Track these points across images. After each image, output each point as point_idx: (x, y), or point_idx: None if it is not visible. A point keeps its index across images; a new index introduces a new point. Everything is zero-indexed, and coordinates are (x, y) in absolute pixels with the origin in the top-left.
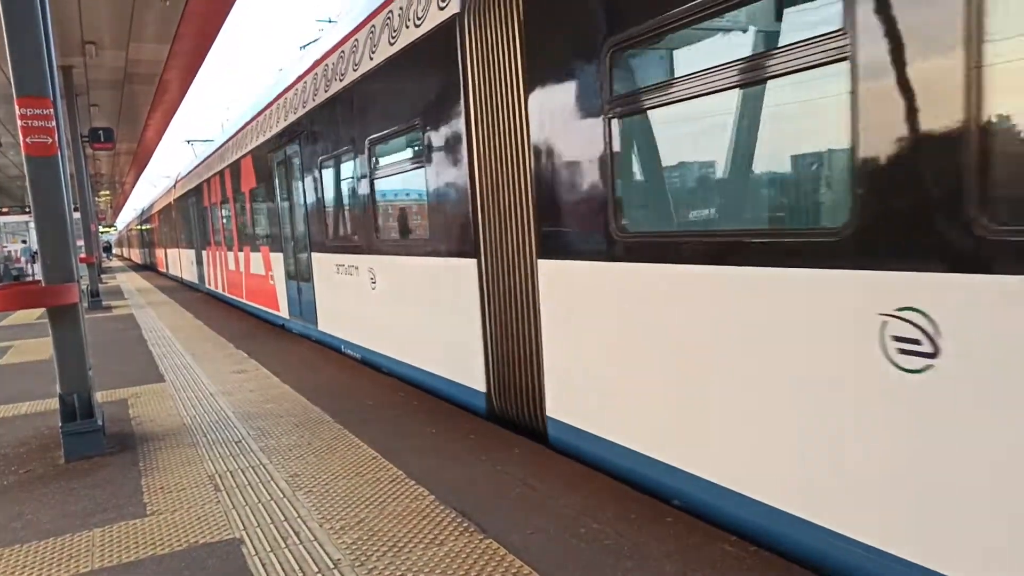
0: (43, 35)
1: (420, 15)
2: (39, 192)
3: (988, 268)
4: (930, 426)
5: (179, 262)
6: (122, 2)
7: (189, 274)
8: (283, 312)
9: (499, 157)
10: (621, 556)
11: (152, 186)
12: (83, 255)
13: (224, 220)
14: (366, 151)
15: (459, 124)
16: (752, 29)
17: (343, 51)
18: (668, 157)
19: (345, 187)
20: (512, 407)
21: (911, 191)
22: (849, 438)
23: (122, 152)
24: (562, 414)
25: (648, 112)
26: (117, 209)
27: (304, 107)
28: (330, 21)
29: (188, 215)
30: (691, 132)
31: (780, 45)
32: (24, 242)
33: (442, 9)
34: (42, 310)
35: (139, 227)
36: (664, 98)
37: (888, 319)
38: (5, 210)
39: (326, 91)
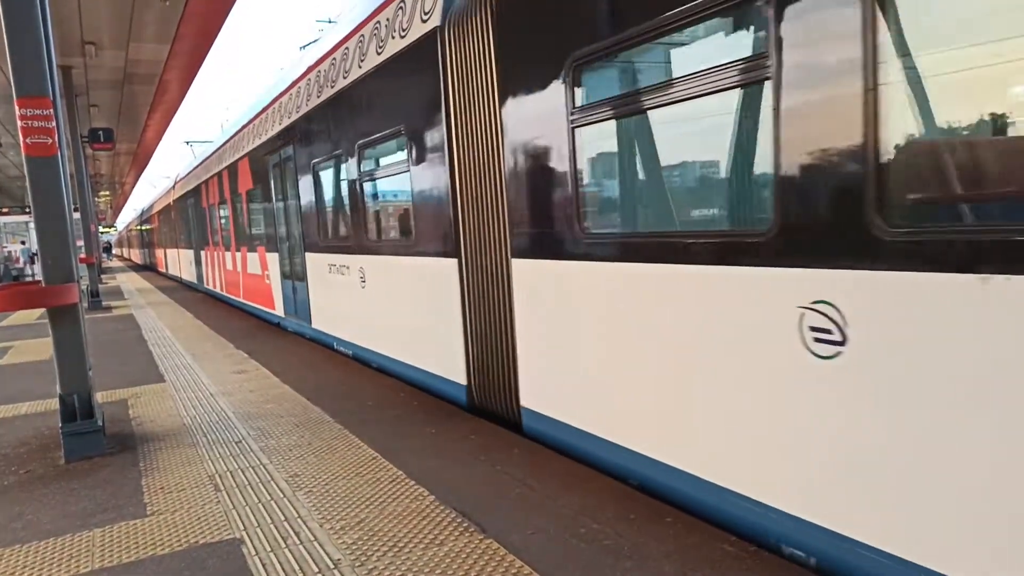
0: (43, 35)
1: (405, 27)
2: (39, 192)
3: (885, 265)
4: (840, 405)
5: (179, 262)
6: (122, 2)
7: (188, 274)
8: (279, 311)
9: (476, 162)
10: (621, 556)
11: (152, 186)
12: (83, 255)
13: (222, 221)
14: (356, 155)
15: (440, 131)
16: (691, 50)
17: (335, 58)
18: (624, 165)
19: (337, 189)
20: (490, 399)
21: (821, 198)
22: (777, 418)
23: (122, 152)
24: (534, 404)
25: (606, 123)
26: (117, 209)
27: (298, 111)
28: (330, 21)
29: (187, 216)
30: (642, 142)
31: (714, 65)
32: (23, 243)
33: (424, 22)
34: (42, 310)
35: (139, 227)
36: (620, 110)
37: (805, 311)
38: (5, 210)
39: (319, 96)
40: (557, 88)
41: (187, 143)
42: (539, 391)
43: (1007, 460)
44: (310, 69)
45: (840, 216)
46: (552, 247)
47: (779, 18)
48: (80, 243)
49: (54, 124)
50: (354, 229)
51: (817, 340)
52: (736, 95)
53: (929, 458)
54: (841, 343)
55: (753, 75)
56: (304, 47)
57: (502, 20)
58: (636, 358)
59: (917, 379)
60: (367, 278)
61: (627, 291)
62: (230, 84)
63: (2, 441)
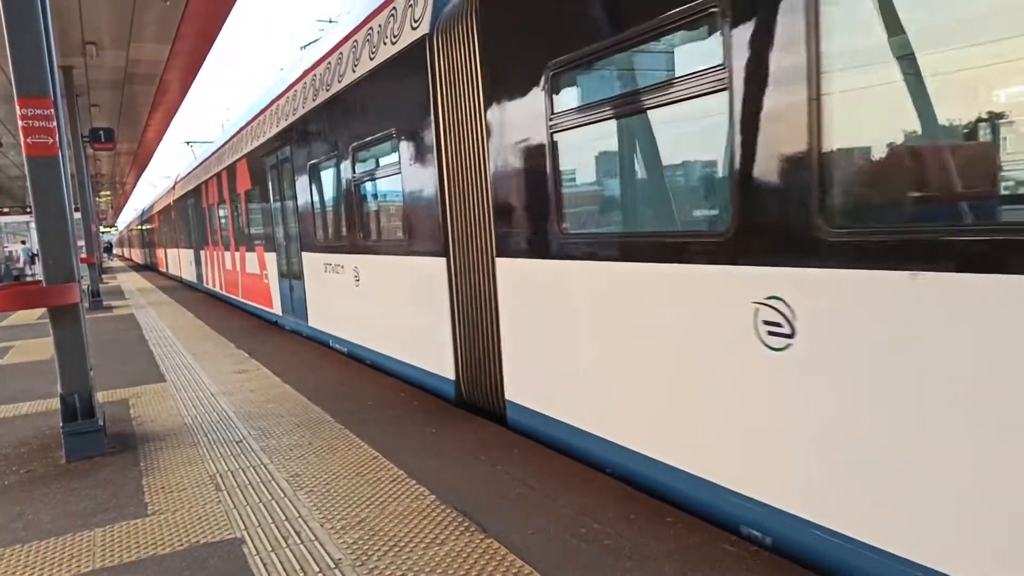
0: (43, 35)
1: (396, 33)
2: (40, 192)
3: (828, 263)
4: (792, 393)
5: (179, 262)
6: (122, 2)
7: (188, 274)
8: (276, 309)
9: (463, 165)
10: (621, 556)
11: (152, 186)
12: (84, 255)
13: (221, 221)
14: (350, 157)
15: (430, 135)
16: (657, 61)
17: (330, 62)
18: (597, 169)
19: (332, 190)
20: (477, 393)
21: (772, 201)
22: (736, 406)
23: (122, 152)
24: (518, 397)
25: (582, 127)
26: (118, 209)
27: (295, 114)
28: (330, 21)
29: (187, 216)
30: (614, 148)
31: (676, 76)
32: (24, 242)
33: (414, 29)
34: (43, 310)
35: (140, 227)
36: (593, 117)
37: (759, 306)
38: (6, 210)
39: (314, 99)
40: (536, 94)
41: (187, 143)
42: (522, 385)
43: (936, 438)
44: (306, 72)
45: (788, 218)
46: (533, 247)
47: (732, 34)
48: (81, 243)
49: (55, 124)
50: (348, 229)
51: (770, 333)
52: (697, 104)
53: (870, 440)
54: (790, 336)
55: (711, 86)
56: (304, 47)
57: (486, 29)
58: (609, 352)
59: (857, 368)
60: (361, 277)
61: (601, 288)
62: (230, 84)
63: (3, 441)
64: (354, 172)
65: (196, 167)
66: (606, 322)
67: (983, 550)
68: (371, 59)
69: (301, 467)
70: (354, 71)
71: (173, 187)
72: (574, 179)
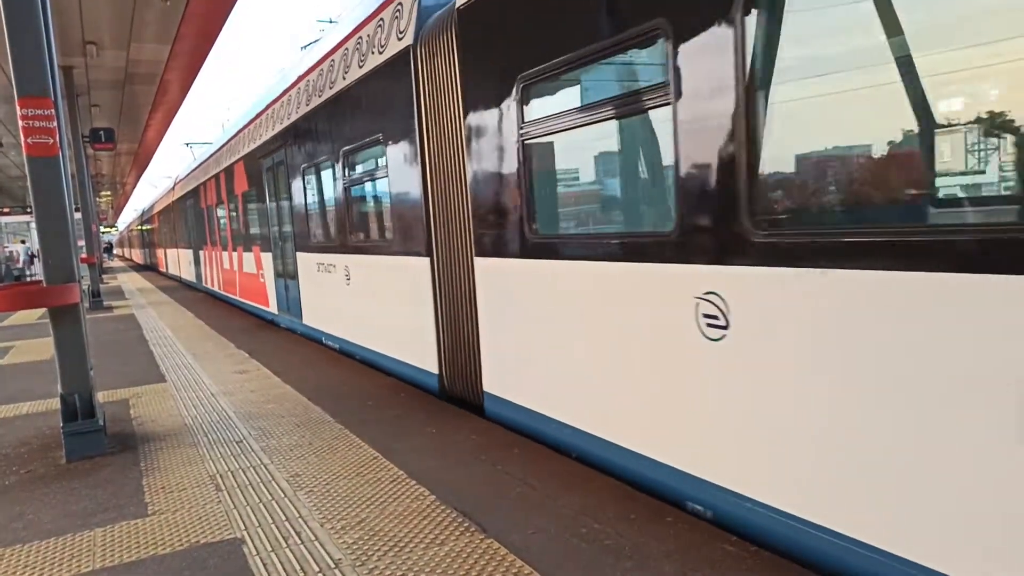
0: (44, 35)
1: (383, 43)
2: (40, 192)
3: (755, 261)
4: (727, 379)
5: (178, 262)
6: (123, 2)
7: (188, 274)
8: (272, 308)
9: (445, 169)
10: (621, 556)
11: (153, 187)
12: (84, 255)
13: (219, 222)
14: (341, 160)
15: (414, 140)
16: (616, 75)
17: (322, 69)
18: (563, 174)
19: (324, 192)
20: (458, 385)
21: (708, 205)
22: (681, 392)
23: (123, 152)
24: (494, 388)
25: (548, 136)
26: (118, 209)
27: (289, 118)
28: (331, 21)
29: (186, 216)
30: (577, 155)
31: (629, 91)
32: (24, 242)
33: (400, 40)
34: (43, 310)
35: (140, 227)
36: (558, 126)
37: (700, 301)
38: (6, 210)
39: (307, 105)
40: (509, 104)
41: (187, 145)
42: (498, 376)
43: (846, 415)
44: (301, 78)
45: (722, 221)
46: (508, 246)
47: (674, 55)
48: (81, 243)
49: (55, 124)
50: (339, 230)
51: (709, 325)
52: (647, 116)
53: (792, 419)
54: (725, 327)
55: (658, 100)
56: (305, 47)
57: (464, 42)
58: (572, 344)
59: (781, 355)
60: (351, 276)
61: (566, 285)
62: (231, 84)
63: (3, 441)
64: (345, 175)
65: (195, 168)
66: (569, 316)
67: (887, 514)
68: (360, 67)
69: (301, 467)
70: (344, 78)
71: (173, 188)
72: (542, 183)
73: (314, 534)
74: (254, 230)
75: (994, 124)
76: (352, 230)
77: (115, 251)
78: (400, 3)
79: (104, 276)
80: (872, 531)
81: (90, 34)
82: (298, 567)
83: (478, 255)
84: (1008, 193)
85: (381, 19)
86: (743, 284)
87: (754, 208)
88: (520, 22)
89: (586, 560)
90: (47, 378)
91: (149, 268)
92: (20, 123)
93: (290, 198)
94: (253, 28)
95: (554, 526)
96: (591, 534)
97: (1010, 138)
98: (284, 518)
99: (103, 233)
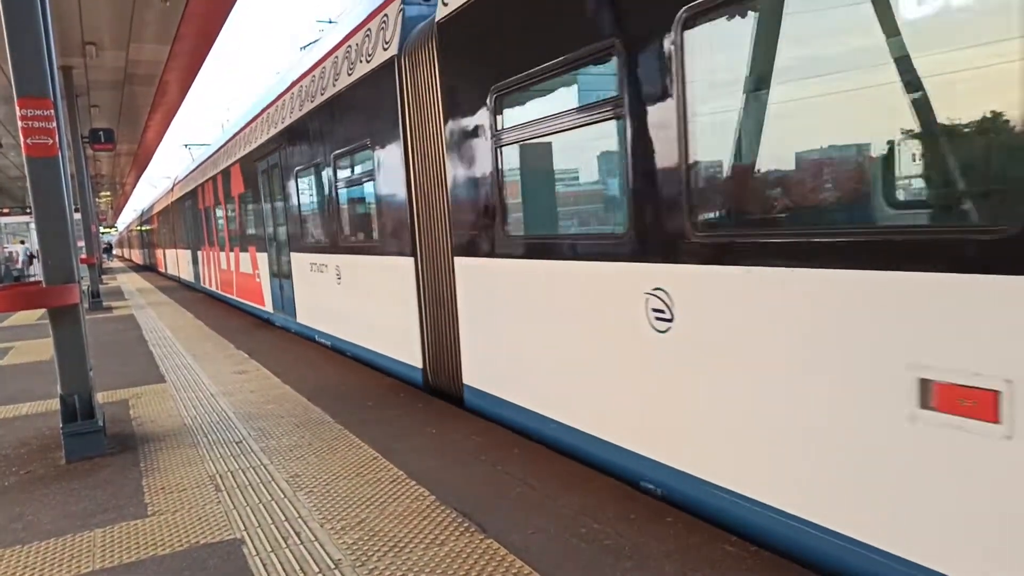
0: (43, 35)
1: (370, 52)
2: (40, 193)
3: (694, 260)
4: (673, 367)
5: (177, 262)
6: (122, 2)
7: (186, 274)
8: (268, 307)
9: (427, 174)
10: (621, 556)
11: (152, 187)
12: (84, 256)
13: (217, 222)
14: (332, 164)
15: (399, 146)
16: (575, 89)
17: (314, 75)
18: (532, 179)
19: (316, 194)
20: (441, 378)
21: (655, 208)
22: (634, 380)
23: (122, 153)
24: (473, 380)
25: (518, 143)
26: (118, 210)
27: (284, 122)
28: (330, 22)
29: (185, 217)
30: (544, 161)
31: (588, 103)
32: (23, 242)
33: (385, 50)
34: (43, 311)
35: (139, 228)
36: (527, 134)
37: (649, 296)
38: (6, 211)
39: (300, 110)
40: (483, 113)
41: (186, 146)
42: (476, 369)
43: (771, 398)
44: (294, 83)
45: (667, 223)
46: (483, 247)
47: (624, 71)
48: (81, 243)
49: (55, 124)
50: (330, 231)
51: (656, 318)
52: (604, 127)
53: (729, 402)
54: (671, 320)
55: (612, 112)
56: (305, 47)
57: (443, 53)
58: (541, 337)
59: (716, 345)
60: (342, 275)
61: (535, 282)
62: (230, 85)
63: (3, 441)
64: (335, 178)
65: (193, 170)
66: (537, 312)
67: (799, 482)
68: (349, 75)
69: (301, 468)
70: (335, 84)
71: (172, 189)
72: (513, 188)
73: (314, 534)
74: (250, 231)
75: (886, 140)
76: (342, 231)
77: (115, 251)
78: (386, 15)
79: (103, 277)
80: (787, 498)
81: (89, 34)
82: (298, 568)
83: (457, 255)
84: (891, 202)
85: (369, 29)
86: (685, 281)
87: (693, 211)
88: (493, 36)
89: (586, 560)
90: (47, 379)
91: (148, 269)
92: (19, 123)
93: (284, 200)
94: (252, 29)
95: (554, 526)
96: (591, 534)
97: (900, 151)
98: (284, 518)
99: (102, 234)
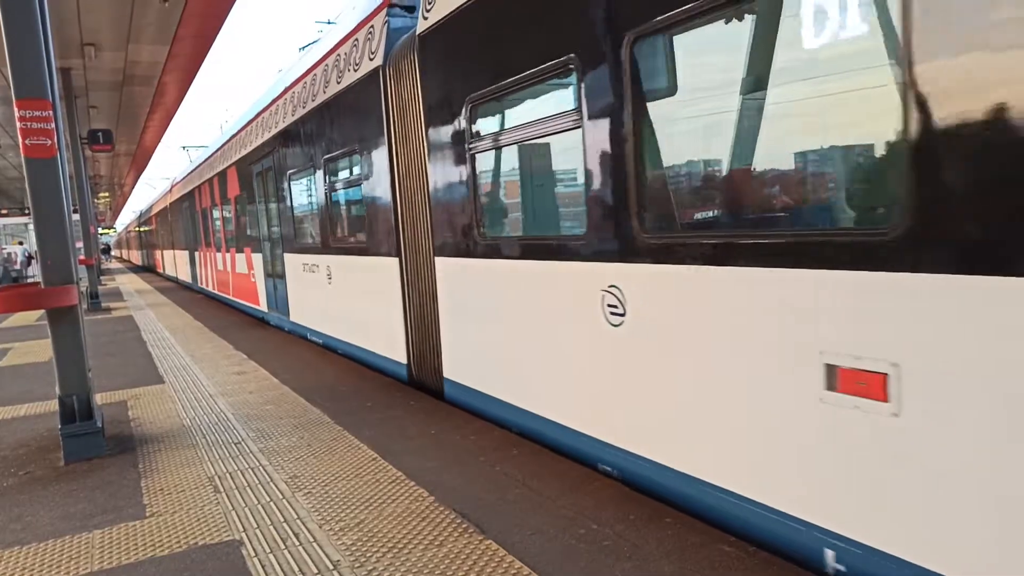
0: (42, 37)
1: (357, 62)
2: (38, 194)
3: (642, 260)
4: (625, 359)
5: (175, 263)
6: (121, 3)
7: (184, 274)
8: (263, 306)
9: (411, 178)
10: (620, 557)
11: (151, 188)
12: (82, 257)
13: (214, 224)
14: (322, 168)
15: (384, 152)
16: (541, 100)
17: (306, 82)
18: (503, 184)
19: (308, 197)
20: (423, 373)
21: (609, 212)
22: (592, 370)
23: (121, 154)
24: (452, 374)
25: (490, 150)
26: (116, 211)
27: (277, 126)
28: (329, 22)
29: (183, 219)
30: (512, 168)
31: (552, 113)
32: (21, 243)
33: (371, 60)
34: (42, 312)
35: (138, 229)
36: (499, 142)
37: (604, 293)
38: (4, 212)
39: (293, 115)
40: (460, 122)
41: (183, 148)
42: (455, 363)
43: (711, 384)
44: (287, 89)
45: (619, 225)
46: (460, 248)
47: (581, 84)
48: (79, 244)
49: (53, 126)
50: (322, 232)
51: (611, 313)
52: (566, 136)
53: (676, 388)
54: (623, 315)
55: (572, 122)
56: (304, 48)
57: (424, 64)
58: (510, 332)
59: (662, 337)
60: (332, 275)
61: (505, 281)
62: (229, 87)
63: (1, 443)
64: (326, 181)
65: (191, 172)
66: (507, 308)
67: (734, 460)
68: (338, 83)
69: (300, 469)
70: (325, 91)
71: (170, 190)
72: (486, 192)
73: (313, 536)
74: (245, 232)
75: (794, 156)
76: (332, 233)
77: (113, 252)
78: (372, 26)
79: (102, 277)
80: (711, 470)
81: (88, 36)
82: (296, 569)
83: (437, 255)
84: (801, 208)
85: (356, 39)
86: (635, 278)
87: (641, 214)
88: (468, 49)
89: (585, 561)
90: (45, 380)
91: (147, 270)
92: (18, 124)
93: (278, 202)
94: (251, 30)
95: (553, 527)
96: (590, 535)
97: (807, 167)
98: (283, 519)
99: (101, 235)
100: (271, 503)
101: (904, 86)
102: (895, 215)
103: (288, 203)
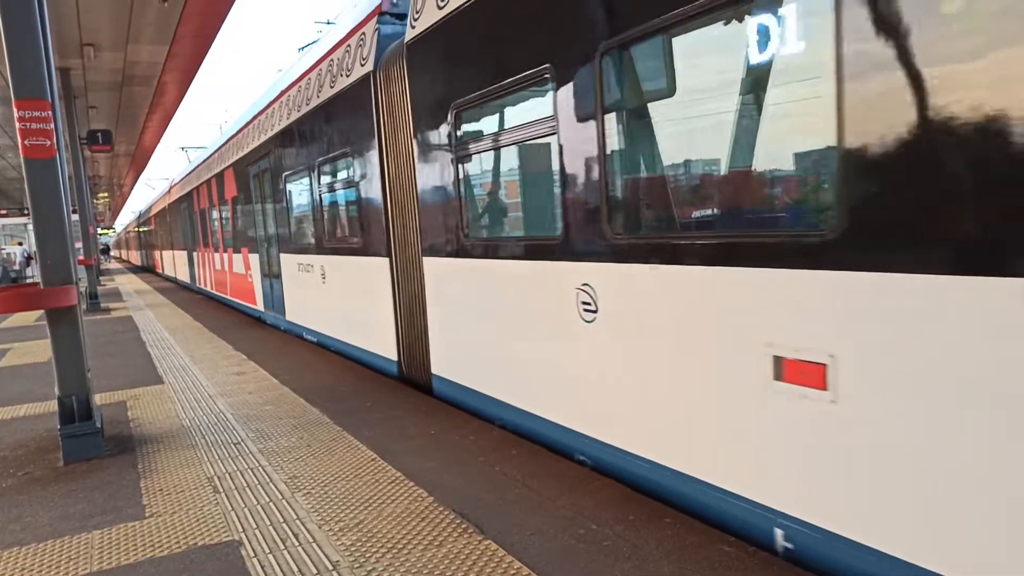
0: (41, 37)
1: (349, 67)
2: (37, 194)
3: (612, 259)
4: (598, 353)
5: (174, 264)
6: (121, 4)
7: (183, 275)
8: (260, 306)
9: (400, 180)
10: (620, 557)
11: (151, 188)
12: (81, 257)
13: (212, 224)
14: (316, 170)
15: (375, 155)
16: (521, 107)
17: (301, 85)
18: (486, 186)
19: (303, 198)
20: (413, 369)
21: (581, 214)
22: (567, 365)
23: (120, 154)
24: (440, 371)
25: (474, 154)
26: (116, 211)
27: (273, 129)
28: (328, 23)
29: (182, 219)
30: (493, 172)
31: (530, 120)
32: (21, 243)
33: (362, 66)
34: (41, 312)
35: (137, 229)
36: (480, 146)
37: (579, 291)
38: (3, 212)
39: (288, 118)
40: (445, 127)
41: (182, 148)
42: (442, 360)
43: (675, 376)
44: (283, 92)
45: (590, 226)
46: (445, 248)
47: (556, 93)
48: (79, 245)
49: (52, 126)
50: (316, 233)
51: (585, 310)
52: (543, 142)
53: (645, 381)
54: (596, 311)
55: (548, 129)
56: (303, 48)
57: (412, 71)
58: (493, 328)
59: (633, 332)
60: (326, 275)
61: (487, 280)
62: (228, 88)
63: (1, 443)
64: (320, 183)
65: (189, 173)
66: (489, 306)
67: (705, 450)
68: (331, 87)
69: (299, 469)
70: (319, 96)
71: (169, 191)
72: (470, 194)
73: (312, 536)
74: (243, 233)
75: (744, 163)
76: (326, 233)
77: (112, 253)
78: (363, 33)
79: (101, 278)
80: (677, 458)
81: (88, 36)
82: (296, 569)
83: (425, 255)
84: (749, 211)
85: (348, 45)
86: (605, 277)
87: (611, 216)
88: (452, 56)
89: (585, 561)
90: (44, 380)
91: (146, 270)
92: (17, 125)
93: (274, 203)
94: (251, 30)
95: (552, 527)
96: (589, 535)
97: (753, 172)
98: (282, 520)
99: (100, 235)
100: (270, 503)
101: (836, 99)
102: (830, 219)
103: (284, 204)
